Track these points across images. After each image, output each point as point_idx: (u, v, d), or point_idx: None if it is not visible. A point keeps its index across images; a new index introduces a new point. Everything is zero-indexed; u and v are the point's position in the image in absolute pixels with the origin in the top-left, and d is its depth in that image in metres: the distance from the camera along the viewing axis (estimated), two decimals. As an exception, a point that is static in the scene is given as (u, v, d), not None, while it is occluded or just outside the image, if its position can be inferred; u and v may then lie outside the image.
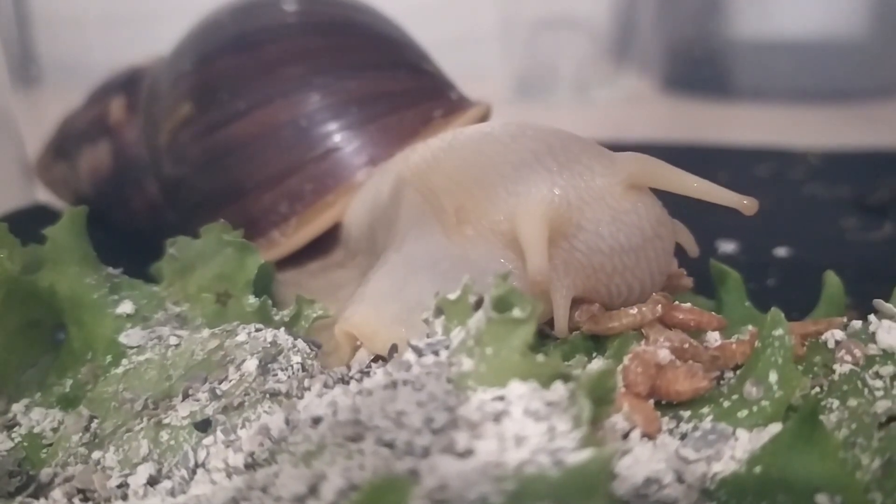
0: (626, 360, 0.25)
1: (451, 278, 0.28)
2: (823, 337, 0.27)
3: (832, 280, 0.31)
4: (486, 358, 0.22)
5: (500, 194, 0.29)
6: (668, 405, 0.24)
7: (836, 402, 0.24)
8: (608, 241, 0.28)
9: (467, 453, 0.19)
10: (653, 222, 0.28)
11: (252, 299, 0.31)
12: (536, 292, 0.26)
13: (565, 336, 0.28)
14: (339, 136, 0.38)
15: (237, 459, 0.24)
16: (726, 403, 0.24)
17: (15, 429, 0.28)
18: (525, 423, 0.20)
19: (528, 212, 0.28)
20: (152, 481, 0.25)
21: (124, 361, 0.29)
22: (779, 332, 0.24)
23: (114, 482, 0.25)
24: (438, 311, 0.24)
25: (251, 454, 0.24)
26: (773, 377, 0.24)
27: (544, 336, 0.28)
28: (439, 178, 0.31)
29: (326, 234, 0.38)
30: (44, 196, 0.55)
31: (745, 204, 0.28)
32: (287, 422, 0.24)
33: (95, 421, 0.27)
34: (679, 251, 0.31)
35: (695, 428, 0.23)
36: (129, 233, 0.46)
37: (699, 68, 0.96)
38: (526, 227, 0.27)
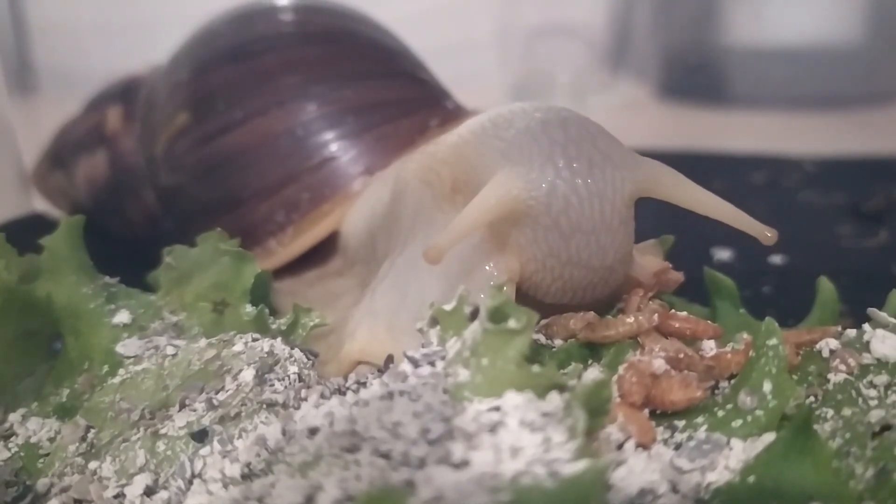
0: (621, 369, 0.25)
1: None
2: (818, 346, 0.27)
3: (826, 286, 0.32)
4: (482, 368, 0.22)
5: (495, 157, 0.28)
6: (662, 415, 0.24)
7: (830, 412, 0.24)
8: (571, 251, 0.27)
9: (463, 464, 0.19)
10: (620, 254, 0.28)
11: (249, 308, 0.31)
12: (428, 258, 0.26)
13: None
14: (335, 146, 0.38)
15: (234, 470, 0.24)
16: (721, 413, 0.24)
17: (11, 439, 0.28)
18: (521, 434, 0.20)
19: (498, 183, 0.27)
20: (149, 492, 0.25)
21: (121, 371, 0.29)
22: (773, 341, 0.24)
23: (110, 492, 0.25)
24: (433, 321, 0.24)
25: (248, 464, 0.24)
26: (767, 387, 0.24)
27: (540, 345, 0.28)
28: (443, 152, 0.31)
29: (323, 244, 0.38)
30: (40, 205, 0.55)
31: (767, 235, 0.28)
32: (284, 432, 0.24)
33: (92, 431, 0.27)
34: (672, 253, 0.31)
35: (689, 438, 0.24)
36: (126, 242, 0.46)
37: (695, 75, 0.96)
38: (479, 197, 0.27)
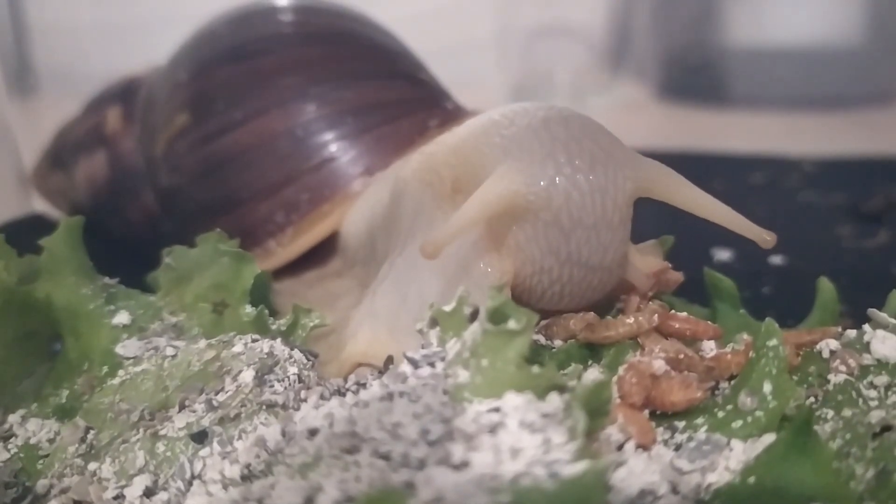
0: (620, 370, 0.25)
1: (439, 259, 0.27)
2: (818, 347, 0.27)
3: (825, 286, 0.32)
4: (481, 369, 0.22)
5: (496, 154, 0.28)
6: (662, 416, 0.24)
7: (830, 413, 0.24)
8: (571, 247, 0.27)
9: (463, 465, 0.19)
10: (618, 255, 0.28)
11: (249, 309, 0.31)
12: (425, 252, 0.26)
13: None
14: (335, 146, 0.38)
15: (233, 471, 0.24)
16: (721, 414, 0.24)
17: (11, 440, 0.28)
18: (521, 435, 0.20)
19: (498, 178, 0.27)
20: (148, 493, 0.25)
21: (121, 372, 0.29)
22: (773, 342, 0.24)
23: (110, 494, 0.25)
24: (433, 322, 0.24)
25: (247, 466, 0.24)
26: (767, 388, 0.24)
27: (539, 346, 0.28)
28: (443, 152, 0.30)
29: (323, 244, 0.38)
30: (40, 206, 0.55)
31: (766, 239, 0.28)
32: (283, 433, 0.24)
33: (92, 432, 0.27)
34: (672, 253, 0.31)
35: (689, 438, 0.24)
36: (126, 242, 0.46)
37: (694, 76, 0.96)
38: (479, 192, 0.27)
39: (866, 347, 0.26)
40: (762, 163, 0.68)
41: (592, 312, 0.28)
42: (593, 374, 0.26)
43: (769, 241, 0.28)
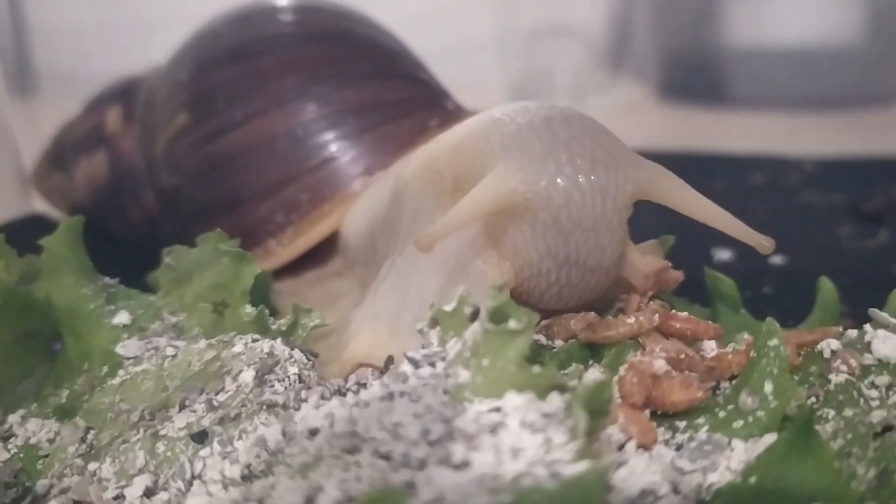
0: (621, 370, 0.25)
1: (438, 257, 0.28)
2: (819, 346, 0.27)
3: (826, 286, 0.31)
4: (482, 369, 0.22)
5: (496, 151, 0.28)
6: (663, 415, 0.24)
7: (831, 412, 0.24)
8: (570, 249, 0.27)
9: (464, 465, 0.19)
10: (615, 255, 0.28)
11: (249, 309, 0.31)
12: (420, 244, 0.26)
13: None
14: (335, 146, 0.38)
15: (234, 471, 0.24)
16: (722, 414, 0.24)
17: (11, 440, 0.28)
18: (521, 435, 0.20)
19: (496, 175, 0.27)
20: (149, 493, 0.25)
21: (121, 372, 0.29)
22: (774, 342, 0.24)
23: (110, 494, 0.25)
24: (433, 322, 0.24)
25: (248, 466, 0.24)
26: (768, 387, 0.24)
27: (540, 345, 0.28)
28: (443, 151, 0.30)
29: (323, 244, 0.38)
30: (40, 206, 0.55)
31: (764, 245, 0.28)
32: (284, 433, 0.24)
33: (92, 432, 0.27)
34: (673, 253, 0.31)
35: (690, 438, 0.24)
36: (126, 242, 0.46)
37: (694, 76, 0.96)
38: (477, 189, 0.26)
39: (867, 347, 0.26)
40: (762, 163, 0.68)
41: (593, 312, 0.28)
42: (594, 373, 0.26)
43: (767, 247, 0.28)
